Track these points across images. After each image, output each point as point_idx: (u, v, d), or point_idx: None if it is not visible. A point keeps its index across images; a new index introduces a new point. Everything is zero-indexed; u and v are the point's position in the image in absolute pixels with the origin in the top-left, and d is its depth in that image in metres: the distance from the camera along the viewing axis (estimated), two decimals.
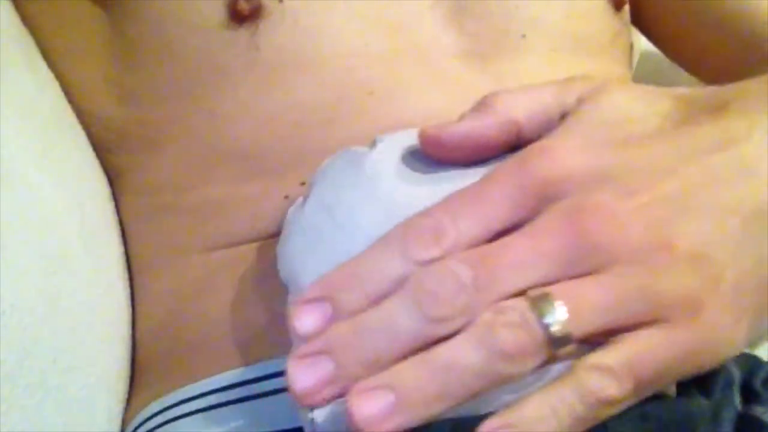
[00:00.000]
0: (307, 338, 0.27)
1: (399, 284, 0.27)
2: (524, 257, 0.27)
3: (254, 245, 0.39)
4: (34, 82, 0.41)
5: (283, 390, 0.34)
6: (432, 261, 0.27)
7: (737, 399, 0.35)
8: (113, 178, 0.45)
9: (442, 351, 0.26)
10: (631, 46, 0.51)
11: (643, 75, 0.61)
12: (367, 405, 0.26)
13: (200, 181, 0.41)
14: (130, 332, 0.42)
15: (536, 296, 0.26)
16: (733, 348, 0.28)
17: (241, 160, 0.40)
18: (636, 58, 0.60)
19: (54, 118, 0.41)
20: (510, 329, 0.26)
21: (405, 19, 0.42)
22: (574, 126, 0.30)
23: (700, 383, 0.34)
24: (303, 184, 0.36)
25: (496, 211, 0.28)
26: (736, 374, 0.35)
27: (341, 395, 0.27)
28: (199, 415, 0.37)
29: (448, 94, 0.41)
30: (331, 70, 0.40)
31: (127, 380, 0.41)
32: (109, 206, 0.44)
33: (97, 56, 0.43)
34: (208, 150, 0.41)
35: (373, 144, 0.35)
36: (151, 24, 0.41)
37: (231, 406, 0.36)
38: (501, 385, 0.26)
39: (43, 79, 0.42)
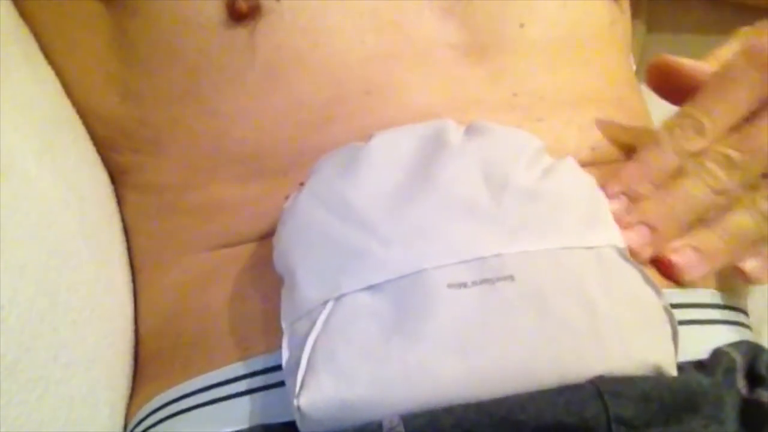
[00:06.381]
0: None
1: (677, 172, 0.36)
2: None
3: (256, 244, 0.39)
4: (33, 79, 0.41)
5: (281, 384, 0.34)
6: (700, 151, 0.36)
7: (740, 383, 0.35)
8: (116, 175, 0.45)
9: (727, 219, 0.36)
10: (630, 33, 0.51)
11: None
12: (682, 257, 0.36)
13: (203, 181, 0.41)
14: (133, 328, 0.42)
15: None
16: None
17: (243, 160, 0.40)
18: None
19: (53, 114, 0.41)
20: None
21: (404, 14, 0.41)
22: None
23: (701, 368, 0.34)
24: (302, 184, 0.36)
25: (738, 103, 0.37)
26: (739, 360, 0.35)
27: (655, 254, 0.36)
28: (201, 410, 0.36)
29: (445, 91, 0.41)
30: (329, 68, 0.40)
31: (130, 376, 0.41)
32: (110, 202, 0.44)
33: (98, 54, 0.43)
34: (211, 151, 0.41)
35: (368, 140, 0.36)
36: (151, 21, 0.41)
37: (231, 400, 0.36)
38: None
39: (42, 76, 0.42)
